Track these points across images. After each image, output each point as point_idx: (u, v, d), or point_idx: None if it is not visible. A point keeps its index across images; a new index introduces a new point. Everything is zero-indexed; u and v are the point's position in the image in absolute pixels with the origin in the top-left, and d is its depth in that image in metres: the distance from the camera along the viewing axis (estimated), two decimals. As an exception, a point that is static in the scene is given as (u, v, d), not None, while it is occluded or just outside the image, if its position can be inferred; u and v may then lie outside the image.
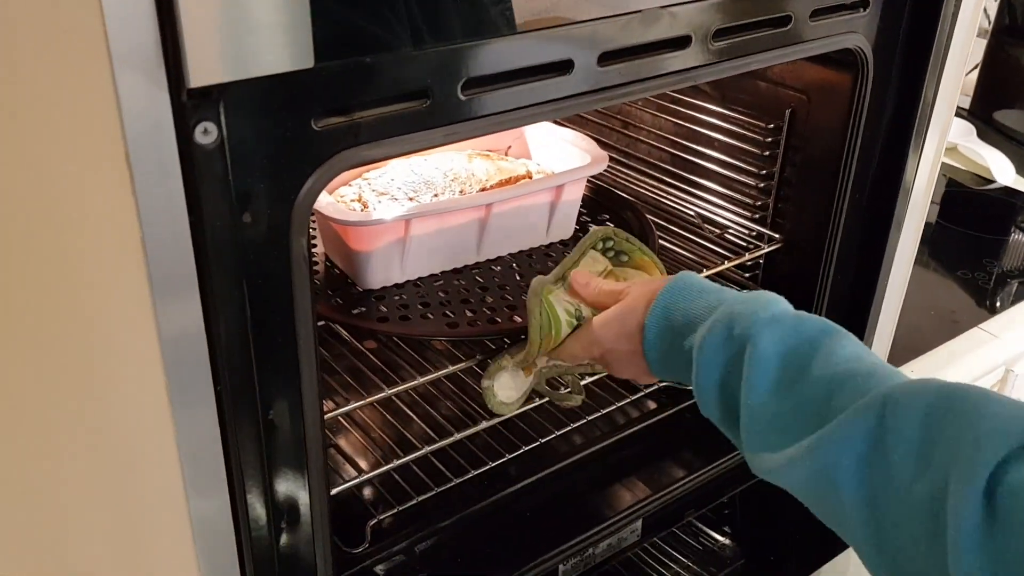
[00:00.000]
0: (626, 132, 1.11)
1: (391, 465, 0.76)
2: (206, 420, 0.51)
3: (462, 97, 0.54)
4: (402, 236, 0.84)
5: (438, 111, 0.53)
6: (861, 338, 0.92)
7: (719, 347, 0.60)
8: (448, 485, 0.76)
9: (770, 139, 0.92)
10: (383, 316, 0.82)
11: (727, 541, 0.92)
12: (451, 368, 0.78)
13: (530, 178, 0.97)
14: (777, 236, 0.93)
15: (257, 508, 0.56)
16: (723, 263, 0.93)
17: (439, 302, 0.85)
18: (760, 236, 0.95)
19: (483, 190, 0.92)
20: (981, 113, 1.75)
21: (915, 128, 0.82)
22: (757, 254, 0.94)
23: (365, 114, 0.51)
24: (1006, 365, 1.21)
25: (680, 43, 0.63)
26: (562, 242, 0.96)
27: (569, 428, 0.86)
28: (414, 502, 0.76)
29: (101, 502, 0.51)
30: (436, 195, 0.91)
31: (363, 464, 0.81)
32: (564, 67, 0.58)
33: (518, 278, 0.89)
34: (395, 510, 0.75)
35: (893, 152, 0.84)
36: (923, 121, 0.83)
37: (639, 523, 0.87)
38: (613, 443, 0.88)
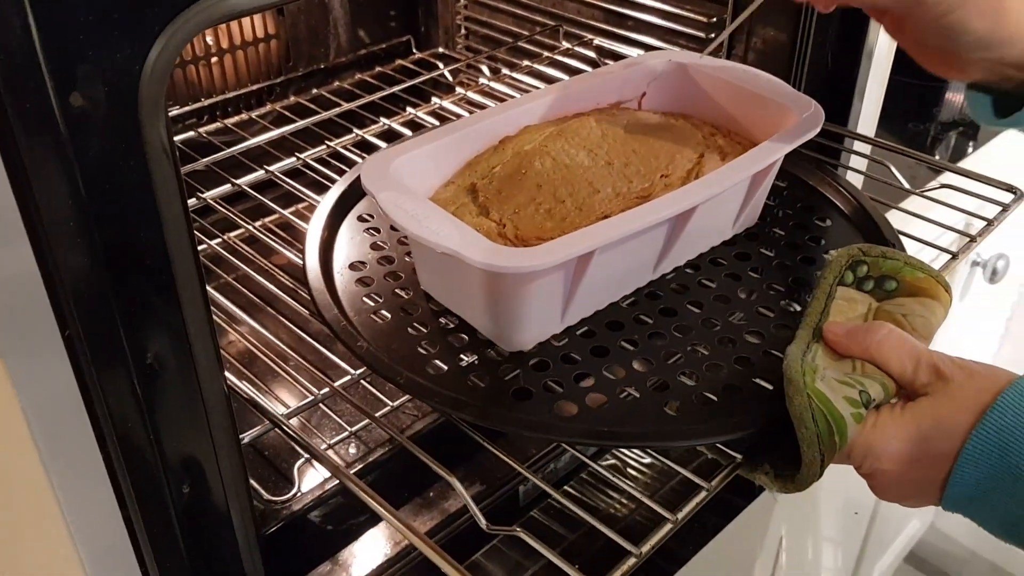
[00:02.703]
0: (552, -10, 0.98)
1: (315, 397, 0.65)
2: (57, 375, 0.39)
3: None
4: (576, 272, 0.55)
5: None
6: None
7: None
8: (385, 410, 0.65)
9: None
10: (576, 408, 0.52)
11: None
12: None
13: (722, 151, 0.65)
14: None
15: (146, 475, 0.44)
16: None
17: (630, 360, 0.55)
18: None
19: (663, 176, 0.62)
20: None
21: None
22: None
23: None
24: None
25: None
26: (747, 233, 0.68)
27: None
28: (346, 434, 0.65)
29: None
30: (595, 192, 0.60)
31: (284, 398, 0.69)
32: None
33: (721, 304, 0.61)
34: (327, 443, 0.64)
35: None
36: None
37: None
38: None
